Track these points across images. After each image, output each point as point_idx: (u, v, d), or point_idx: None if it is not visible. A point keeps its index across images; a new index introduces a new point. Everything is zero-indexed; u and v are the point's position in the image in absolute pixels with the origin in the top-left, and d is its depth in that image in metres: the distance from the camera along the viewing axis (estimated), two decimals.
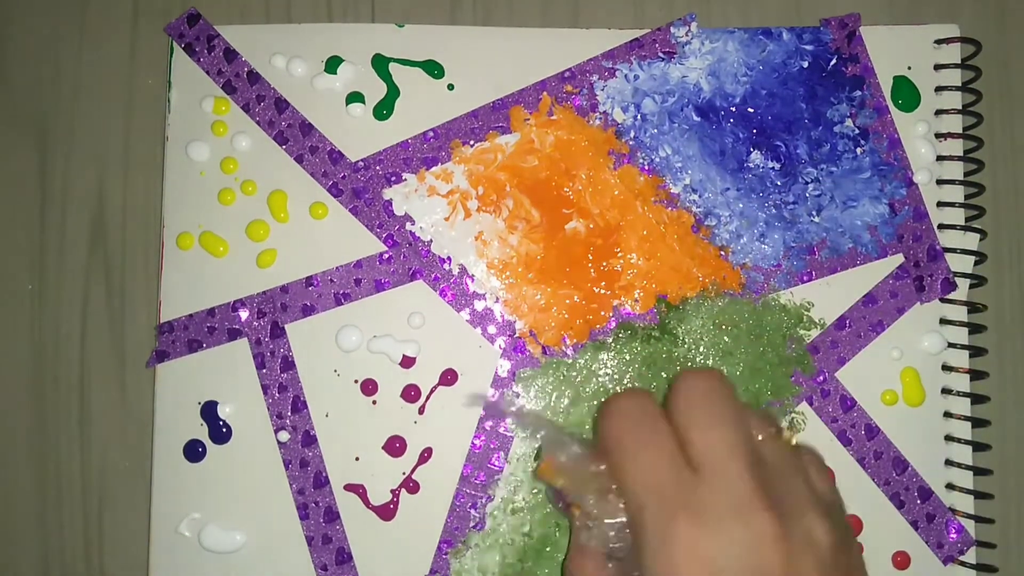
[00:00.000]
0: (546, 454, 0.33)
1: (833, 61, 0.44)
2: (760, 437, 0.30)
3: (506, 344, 0.43)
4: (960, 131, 0.44)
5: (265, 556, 0.42)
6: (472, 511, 0.42)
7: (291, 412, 0.42)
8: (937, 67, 0.44)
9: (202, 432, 0.42)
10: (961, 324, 0.43)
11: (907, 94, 0.44)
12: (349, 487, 0.42)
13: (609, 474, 0.31)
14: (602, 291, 0.43)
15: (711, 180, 0.44)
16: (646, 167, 0.44)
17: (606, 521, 0.31)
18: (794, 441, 0.31)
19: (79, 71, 0.45)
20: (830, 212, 0.44)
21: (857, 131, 0.44)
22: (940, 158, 0.44)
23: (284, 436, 0.42)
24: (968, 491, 0.42)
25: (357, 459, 0.42)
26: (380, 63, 0.44)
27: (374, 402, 0.42)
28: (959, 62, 0.44)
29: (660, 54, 0.44)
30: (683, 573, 0.27)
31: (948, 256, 0.43)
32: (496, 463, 0.42)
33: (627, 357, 0.43)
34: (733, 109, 0.44)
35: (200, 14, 0.44)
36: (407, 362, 0.42)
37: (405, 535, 0.42)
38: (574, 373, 0.42)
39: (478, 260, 0.43)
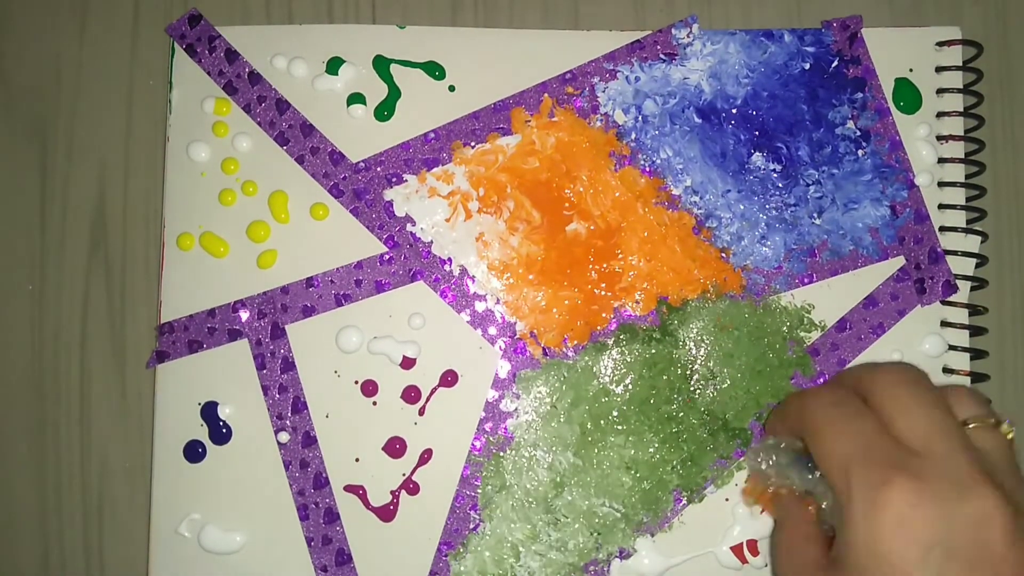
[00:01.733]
0: (749, 471, 0.34)
1: (834, 63, 0.44)
2: (972, 425, 0.29)
3: (506, 345, 0.43)
4: (961, 133, 0.44)
5: (265, 557, 0.42)
6: (472, 512, 0.42)
7: (291, 413, 0.42)
8: (938, 69, 0.44)
9: (202, 433, 0.42)
10: (962, 327, 0.43)
11: (908, 96, 0.44)
12: (349, 488, 0.42)
13: (814, 459, 0.30)
14: (603, 293, 0.43)
15: (712, 182, 0.44)
16: (647, 169, 0.44)
17: (815, 489, 0.30)
18: (1010, 435, 0.30)
19: (80, 71, 0.45)
20: (831, 214, 0.44)
21: (858, 133, 0.44)
22: (941, 160, 0.44)
23: (284, 437, 0.42)
24: None
25: (357, 460, 0.42)
26: (381, 64, 0.44)
27: (374, 403, 0.42)
28: (960, 64, 0.44)
29: (661, 56, 0.44)
30: (889, 542, 0.25)
31: (949, 258, 0.43)
32: None
33: (628, 359, 0.43)
34: (734, 111, 0.44)
35: (201, 15, 0.44)
36: (407, 363, 0.42)
37: (405, 536, 0.42)
38: (575, 374, 0.42)
39: (479, 261, 0.43)
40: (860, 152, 0.44)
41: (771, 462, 0.35)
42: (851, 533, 0.26)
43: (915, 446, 0.27)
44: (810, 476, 0.33)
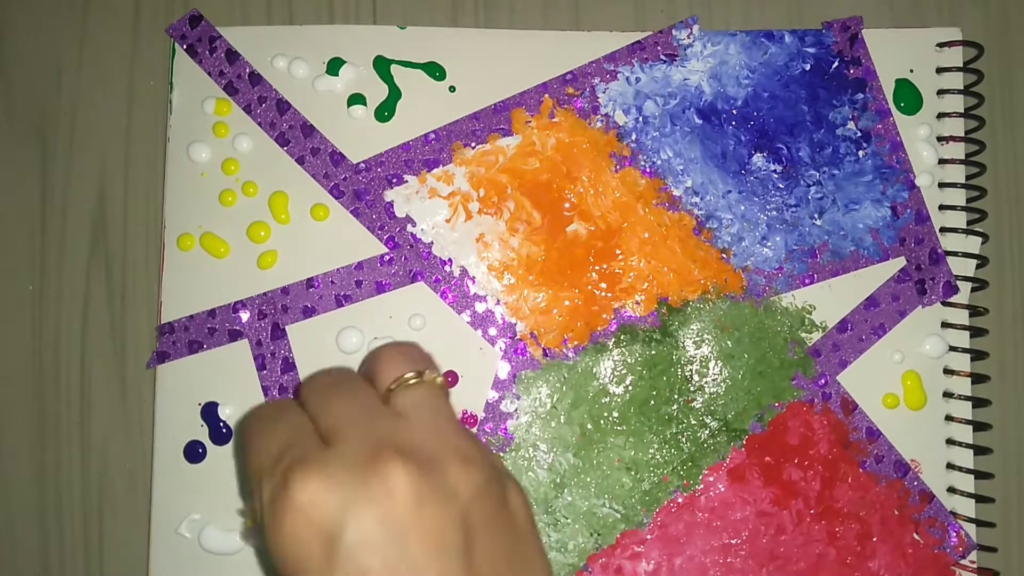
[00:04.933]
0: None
1: (835, 64, 0.44)
2: (392, 387, 0.28)
3: (507, 346, 0.43)
4: (962, 134, 0.44)
5: (265, 557, 0.42)
6: None
7: None
8: (939, 70, 0.44)
9: (202, 433, 0.42)
10: (963, 327, 0.43)
11: (909, 97, 0.44)
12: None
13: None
14: (603, 293, 0.43)
15: (713, 183, 0.44)
16: (647, 169, 0.44)
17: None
18: (437, 380, 0.29)
19: (80, 72, 0.45)
20: (832, 215, 0.43)
21: (859, 134, 0.44)
22: (942, 161, 0.44)
23: None
24: (969, 495, 0.42)
25: None
26: (382, 65, 0.44)
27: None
28: (961, 65, 0.44)
29: (662, 56, 0.44)
30: (296, 544, 0.24)
31: (950, 259, 0.43)
32: None
33: (628, 360, 0.42)
34: (735, 112, 0.44)
35: (202, 15, 0.44)
36: None
37: None
38: (575, 375, 0.42)
39: (479, 262, 0.43)
40: (861, 153, 0.44)
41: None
42: (270, 545, 0.25)
43: (330, 436, 0.26)
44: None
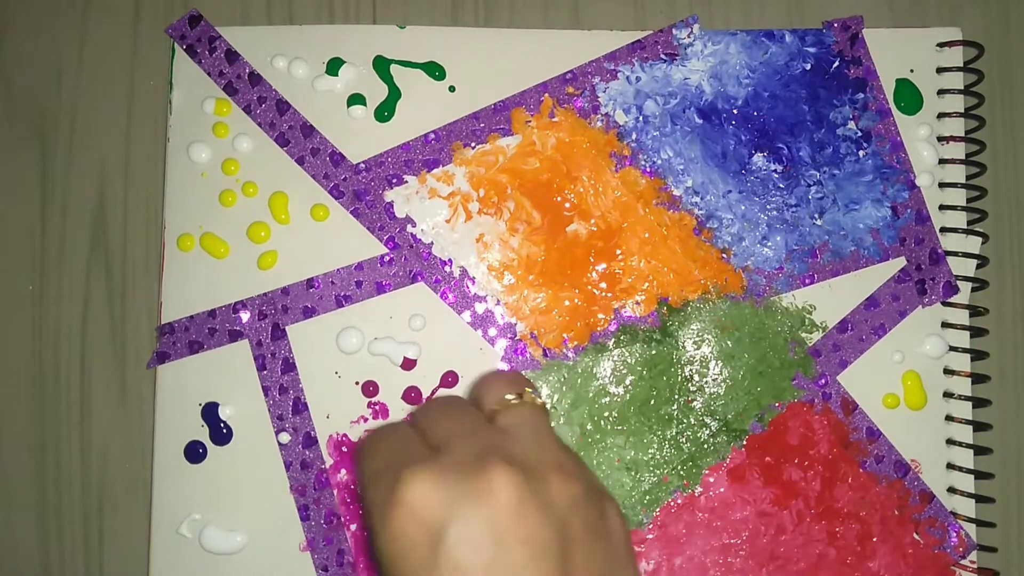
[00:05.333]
0: None
1: (835, 64, 0.44)
2: (496, 407, 0.30)
3: (507, 346, 0.43)
4: (962, 134, 0.44)
5: (265, 557, 0.42)
6: None
7: (292, 414, 0.42)
8: (939, 70, 0.44)
9: (203, 433, 0.42)
10: (963, 328, 0.43)
11: (909, 97, 0.44)
12: (350, 489, 0.42)
13: None
14: (603, 293, 0.43)
15: (713, 182, 0.44)
16: (648, 169, 0.44)
17: None
18: (539, 402, 0.30)
19: (80, 72, 0.45)
20: (832, 215, 0.43)
21: (859, 134, 0.44)
22: (942, 161, 0.44)
23: (285, 438, 0.42)
24: (970, 495, 0.42)
25: None
26: (381, 65, 0.44)
27: (375, 404, 0.42)
28: (961, 65, 0.44)
29: (662, 56, 0.44)
30: (402, 540, 0.25)
31: (950, 259, 0.43)
32: None
33: (628, 360, 0.42)
34: (735, 111, 0.44)
35: (202, 15, 0.44)
36: (408, 364, 0.42)
37: None
38: (575, 376, 0.42)
39: (479, 262, 0.43)
40: (861, 153, 0.44)
41: None
42: (376, 542, 0.26)
43: (440, 444, 0.28)
44: None
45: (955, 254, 0.43)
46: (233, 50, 0.44)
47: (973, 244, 0.44)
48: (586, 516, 0.26)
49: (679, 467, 0.42)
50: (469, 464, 0.26)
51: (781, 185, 0.44)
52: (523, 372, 0.42)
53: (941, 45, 0.44)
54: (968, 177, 0.44)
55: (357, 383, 0.42)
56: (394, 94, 0.44)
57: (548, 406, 0.31)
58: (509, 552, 0.24)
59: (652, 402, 0.42)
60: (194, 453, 0.42)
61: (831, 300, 0.43)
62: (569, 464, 0.27)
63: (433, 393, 0.42)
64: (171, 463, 0.42)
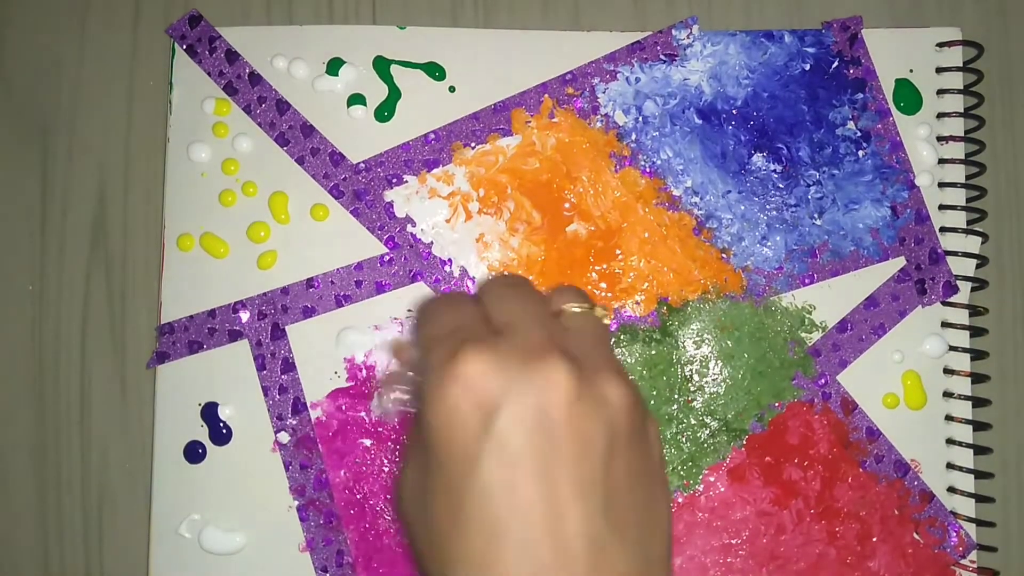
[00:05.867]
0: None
1: (835, 64, 0.44)
2: (564, 308, 0.30)
3: None
4: (962, 134, 0.44)
5: (265, 558, 0.42)
6: None
7: (291, 414, 0.42)
8: (939, 70, 0.44)
9: (202, 433, 0.42)
10: (962, 327, 0.43)
11: (909, 97, 0.44)
12: (350, 489, 0.42)
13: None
14: (603, 293, 0.43)
15: (712, 183, 0.44)
16: (647, 169, 0.44)
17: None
18: (606, 320, 0.31)
19: (80, 72, 0.45)
20: (832, 215, 0.43)
21: (859, 134, 0.44)
22: (942, 161, 0.44)
23: (284, 437, 0.42)
24: (969, 494, 0.42)
25: (357, 462, 0.42)
26: (381, 65, 0.44)
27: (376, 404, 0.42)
28: (961, 65, 0.44)
29: (662, 56, 0.44)
30: (454, 412, 0.25)
31: (950, 259, 0.43)
32: None
33: (628, 360, 0.42)
34: (735, 112, 0.44)
35: (202, 15, 0.44)
36: None
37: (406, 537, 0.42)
38: None
39: (479, 262, 0.43)
40: (860, 153, 0.44)
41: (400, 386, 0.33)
42: (426, 411, 0.26)
43: (502, 326, 0.28)
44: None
45: (955, 254, 0.43)
46: (233, 50, 0.44)
47: (973, 244, 0.44)
48: (632, 421, 0.26)
49: (679, 467, 0.42)
50: (530, 351, 0.26)
51: (780, 185, 0.44)
52: None
53: (940, 45, 0.44)
54: (968, 177, 0.44)
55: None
56: (394, 94, 0.44)
57: (608, 326, 0.31)
58: (558, 443, 0.25)
59: (652, 402, 0.42)
60: (194, 453, 0.42)
61: (831, 300, 0.43)
62: (622, 371, 0.28)
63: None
64: (171, 463, 0.42)
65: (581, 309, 0.30)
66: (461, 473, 0.25)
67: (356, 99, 0.44)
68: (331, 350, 0.42)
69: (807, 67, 0.44)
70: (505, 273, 0.32)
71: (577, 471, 0.25)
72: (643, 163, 0.44)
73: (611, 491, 0.25)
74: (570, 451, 0.25)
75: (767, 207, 0.44)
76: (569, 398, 0.25)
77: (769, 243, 0.43)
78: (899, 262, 0.43)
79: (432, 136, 0.43)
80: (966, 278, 0.43)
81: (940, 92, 0.44)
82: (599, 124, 0.44)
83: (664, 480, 0.28)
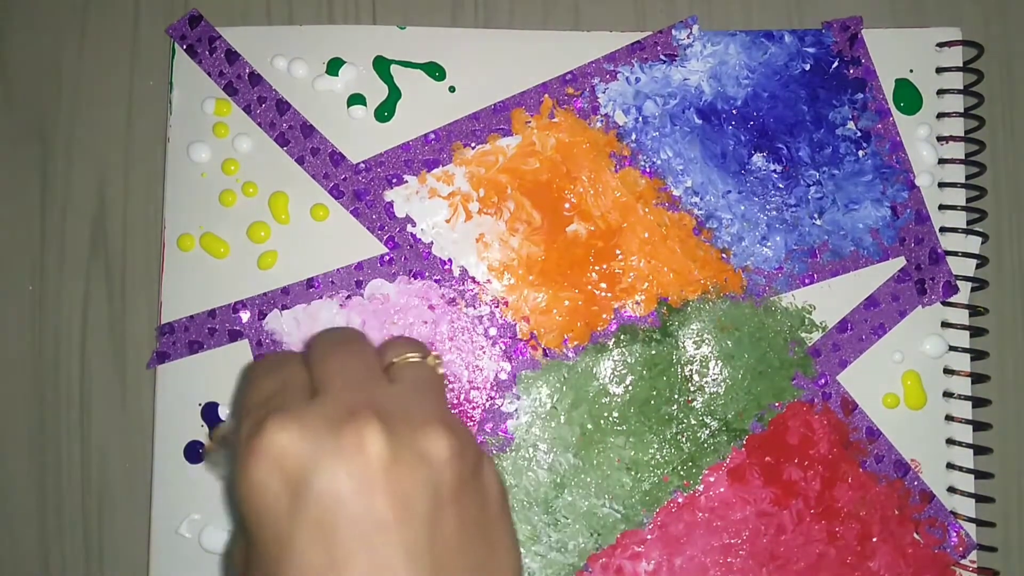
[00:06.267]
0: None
1: (835, 64, 0.44)
2: (395, 361, 0.29)
3: (507, 346, 0.43)
4: (962, 134, 0.44)
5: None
6: None
7: None
8: (939, 70, 0.44)
9: (202, 433, 0.42)
10: (963, 327, 0.43)
11: (909, 97, 0.44)
12: None
13: None
14: (603, 293, 0.43)
15: (712, 183, 0.44)
16: (647, 169, 0.44)
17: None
18: (437, 366, 0.30)
19: (80, 72, 0.45)
20: (832, 215, 0.43)
21: (859, 134, 0.44)
22: (942, 161, 0.44)
23: None
24: (969, 494, 0.42)
25: None
26: (381, 65, 0.44)
27: None
28: (961, 65, 0.44)
29: (662, 56, 0.44)
30: (264, 488, 0.24)
31: (950, 259, 0.43)
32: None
33: (628, 360, 0.42)
34: (735, 112, 0.44)
35: (202, 15, 0.44)
36: None
37: None
38: (575, 375, 0.42)
39: (479, 262, 0.43)
40: (860, 153, 0.44)
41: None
42: (236, 488, 0.25)
43: (319, 386, 0.27)
44: None
45: (955, 254, 0.43)
46: (233, 50, 0.44)
47: (973, 244, 0.44)
48: (460, 473, 0.25)
49: (679, 467, 0.42)
50: (341, 414, 0.25)
51: (780, 185, 0.44)
52: (523, 372, 0.42)
53: (940, 45, 0.44)
54: (968, 177, 0.44)
55: None
56: (394, 94, 0.44)
57: (443, 375, 0.30)
58: (375, 508, 0.23)
59: (652, 402, 0.42)
60: (194, 453, 0.42)
61: (831, 300, 0.43)
62: (448, 421, 0.26)
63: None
64: (171, 463, 0.42)
65: (415, 358, 0.29)
66: (275, 556, 0.24)
67: (356, 99, 0.44)
68: None
69: (807, 67, 0.44)
70: (341, 328, 0.31)
71: (400, 538, 0.23)
72: (643, 163, 0.44)
73: (441, 552, 0.24)
74: (390, 517, 0.23)
75: (767, 207, 0.44)
76: (381, 461, 0.24)
77: (769, 243, 0.43)
78: (899, 262, 0.43)
79: (432, 136, 0.43)
80: (966, 278, 0.43)
81: (940, 92, 0.44)
82: (599, 124, 0.44)
83: (506, 520, 0.27)
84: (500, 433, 0.42)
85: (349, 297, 0.43)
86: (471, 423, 0.42)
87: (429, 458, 0.25)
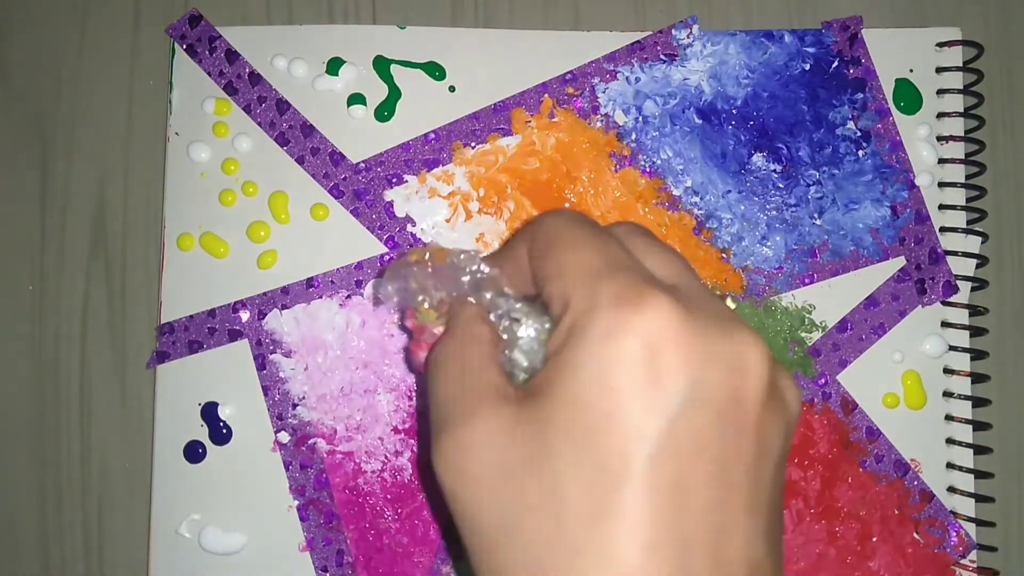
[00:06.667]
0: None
1: (835, 63, 0.44)
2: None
3: None
4: (962, 134, 0.44)
5: (265, 558, 0.42)
6: None
7: (291, 413, 0.42)
8: (939, 70, 0.44)
9: (202, 433, 0.42)
10: (962, 327, 0.43)
11: (909, 97, 0.44)
12: (350, 489, 0.42)
13: (538, 277, 0.24)
14: None
15: (712, 182, 0.44)
16: (647, 169, 0.44)
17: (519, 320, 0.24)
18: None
19: (80, 72, 0.45)
20: (832, 214, 0.43)
21: (859, 133, 0.44)
22: (942, 161, 0.44)
23: (284, 437, 0.42)
24: (969, 494, 0.42)
25: (358, 460, 0.42)
26: (381, 64, 0.44)
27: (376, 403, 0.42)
28: (961, 65, 0.44)
29: (662, 56, 0.44)
30: (626, 375, 0.20)
31: (950, 259, 0.43)
32: None
33: None
34: (734, 111, 0.44)
35: (202, 15, 0.44)
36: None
37: (407, 536, 0.42)
38: None
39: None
40: (860, 152, 0.44)
41: (467, 279, 0.27)
42: (580, 356, 0.20)
43: (668, 279, 0.23)
44: (516, 304, 0.26)
45: (955, 253, 0.43)
46: (233, 50, 0.44)
47: (973, 243, 0.44)
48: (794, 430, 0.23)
49: None
50: (725, 320, 0.21)
51: (780, 185, 0.44)
52: None
53: (940, 45, 0.44)
54: (968, 177, 0.44)
55: None
56: (394, 94, 0.44)
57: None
58: (741, 441, 0.20)
59: None
60: (194, 453, 0.42)
61: (831, 300, 0.43)
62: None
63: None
64: (171, 463, 0.42)
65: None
66: (618, 453, 0.19)
67: (356, 99, 0.44)
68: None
69: (807, 67, 0.44)
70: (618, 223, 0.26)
71: (752, 479, 0.20)
72: (643, 163, 0.44)
73: (774, 507, 0.21)
74: (750, 453, 0.20)
75: (767, 207, 0.44)
76: (762, 390, 0.21)
77: (769, 243, 0.43)
78: (899, 262, 0.44)
79: (432, 136, 0.43)
80: (966, 278, 0.43)
81: (940, 92, 0.44)
82: (599, 124, 0.44)
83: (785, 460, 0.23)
84: None
85: (349, 297, 0.43)
86: None
87: (787, 399, 0.22)
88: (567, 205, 0.43)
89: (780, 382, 0.22)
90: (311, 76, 0.44)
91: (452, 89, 0.44)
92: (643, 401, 0.20)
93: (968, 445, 0.42)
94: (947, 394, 0.43)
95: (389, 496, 0.42)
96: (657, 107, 0.44)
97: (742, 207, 0.44)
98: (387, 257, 0.43)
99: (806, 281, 0.43)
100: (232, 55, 0.44)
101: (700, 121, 0.44)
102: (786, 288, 0.43)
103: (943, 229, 0.44)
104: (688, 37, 0.44)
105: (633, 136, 0.44)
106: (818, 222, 0.43)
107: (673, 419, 0.20)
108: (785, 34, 0.44)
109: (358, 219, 0.43)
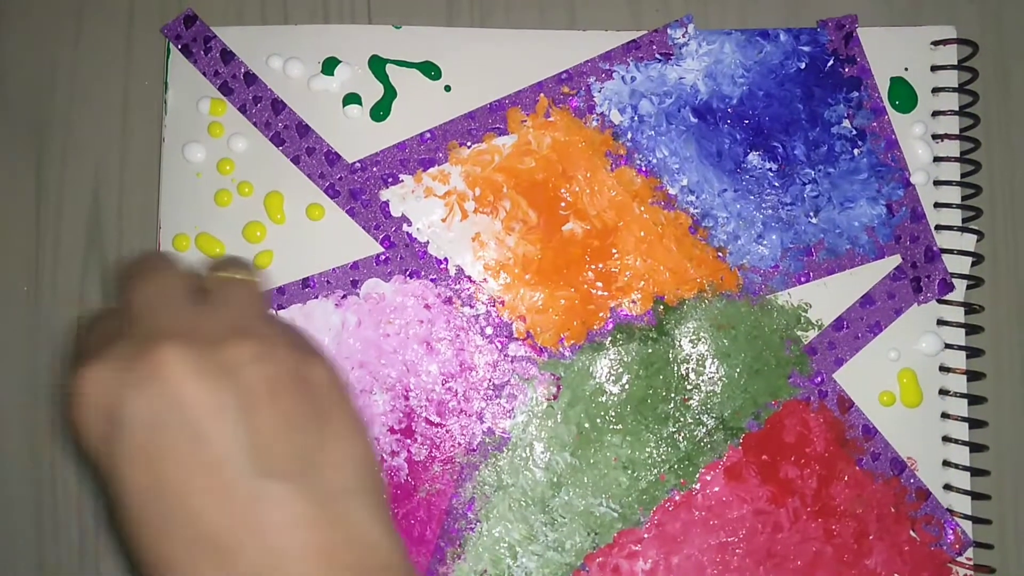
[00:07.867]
0: None
1: (830, 62, 0.44)
2: (212, 279, 0.30)
3: (503, 345, 0.43)
4: (957, 132, 0.44)
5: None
6: (469, 513, 0.42)
7: None
8: (934, 68, 0.44)
9: None
10: (958, 325, 0.43)
11: (904, 95, 0.44)
12: None
13: None
14: (599, 292, 0.43)
15: (708, 181, 0.44)
16: (643, 168, 0.44)
17: None
18: (256, 282, 0.31)
19: (75, 72, 0.45)
20: (827, 213, 0.44)
21: (854, 132, 0.44)
22: (937, 159, 0.44)
23: None
24: (966, 492, 0.42)
25: None
26: (377, 64, 0.44)
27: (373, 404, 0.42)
28: (956, 63, 0.44)
29: (657, 56, 0.44)
30: (83, 418, 0.26)
31: (945, 257, 0.43)
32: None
33: (624, 359, 0.43)
34: (730, 110, 0.44)
35: (197, 15, 0.44)
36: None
37: (404, 536, 0.42)
38: (572, 374, 0.42)
39: (475, 261, 0.43)
40: (856, 151, 0.44)
41: None
42: (75, 437, 0.27)
43: (132, 317, 0.28)
44: None
45: (950, 252, 0.43)
46: (228, 50, 0.44)
47: (968, 242, 0.44)
48: (270, 374, 0.27)
49: (676, 465, 0.42)
50: (139, 346, 0.26)
51: (776, 183, 0.44)
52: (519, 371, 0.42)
53: (935, 43, 0.44)
54: (963, 175, 0.44)
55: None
56: (390, 94, 0.44)
57: (259, 289, 0.31)
58: (185, 422, 0.25)
59: (649, 401, 0.42)
60: None
61: (827, 298, 0.43)
62: (252, 327, 0.28)
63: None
64: None
65: (223, 277, 0.30)
66: (115, 492, 0.26)
67: (352, 98, 0.43)
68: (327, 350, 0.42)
69: (802, 66, 0.44)
70: (142, 256, 0.33)
71: (216, 440, 0.25)
72: (639, 162, 0.44)
73: (261, 443, 0.26)
74: (201, 423, 0.25)
75: (763, 205, 0.44)
76: (183, 378, 0.25)
77: (765, 241, 0.43)
78: (895, 260, 0.44)
79: (428, 135, 0.43)
80: (961, 276, 0.43)
81: (935, 90, 0.44)
82: (595, 123, 0.44)
83: (340, 412, 0.28)
84: (497, 432, 0.42)
85: (345, 297, 0.43)
86: (468, 420, 0.42)
87: (231, 366, 0.26)
88: (563, 204, 0.43)
89: (220, 356, 0.26)
90: (306, 76, 0.44)
91: (448, 89, 0.44)
92: (103, 443, 0.26)
93: (964, 443, 0.42)
94: (943, 392, 0.43)
95: (385, 496, 0.42)
96: (653, 106, 0.44)
97: (738, 206, 0.44)
98: (383, 257, 0.43)
99: (802, 279, 0.43)
100: (227, 55, 0.44)
101: (696, 120, 0.44)
102: (782, 286, 0.43)
103: (938, 227, 0.44)
104: (684, 36, 0.44)
105: (629, 135, 0.44)
106: (814, 220, 0.44)
107: (125, 441, 0.26)
108: (780, 33, 0.44)
109: (354, 219, 0.43)
